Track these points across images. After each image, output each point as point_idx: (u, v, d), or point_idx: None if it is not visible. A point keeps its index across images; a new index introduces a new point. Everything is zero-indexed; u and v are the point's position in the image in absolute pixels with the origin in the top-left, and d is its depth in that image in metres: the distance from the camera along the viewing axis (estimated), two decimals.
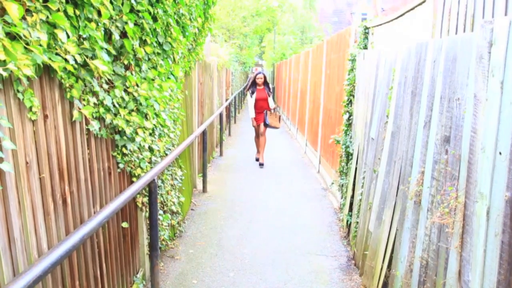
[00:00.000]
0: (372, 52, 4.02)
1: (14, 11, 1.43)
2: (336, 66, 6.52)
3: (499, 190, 1.65)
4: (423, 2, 3.39)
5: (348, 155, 4.85)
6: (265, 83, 8.58)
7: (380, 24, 4.45)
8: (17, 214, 1.65)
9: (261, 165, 8.32)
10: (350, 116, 4.90)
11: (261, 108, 8.47)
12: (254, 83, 8.54)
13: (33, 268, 1.51)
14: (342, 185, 5.09)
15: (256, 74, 8.61)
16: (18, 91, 1.61)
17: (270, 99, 8.54)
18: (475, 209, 1.82)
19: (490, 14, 2.54)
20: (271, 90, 8.72)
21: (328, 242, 4.54)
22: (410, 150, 2.69)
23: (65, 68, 1.90)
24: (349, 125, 4.94)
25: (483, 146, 1.77)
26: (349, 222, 4.56)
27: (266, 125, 8.51)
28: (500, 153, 1.66)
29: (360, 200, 3.98)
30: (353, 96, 4.78)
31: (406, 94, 2.86)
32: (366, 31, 4.87)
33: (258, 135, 8.76)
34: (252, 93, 8.45)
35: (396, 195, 2.90)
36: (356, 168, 4.35)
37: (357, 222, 4.04)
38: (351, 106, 4.89)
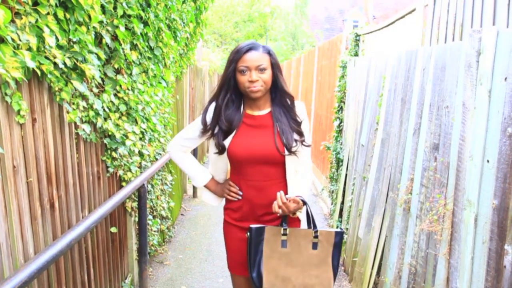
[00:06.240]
0: (363, 59, 4.05)
1: (0, 16, 1.42)
2: (327, 73, 6.56)
3: (487, 198, 1.66)
4: (413, 10, 3.42)
5: (339, 162, 4.86)
6: (276, 85, 1.96)
7: (371, 32, 4.49)
8: (3, 218, 1.63)
9: None
10: (340, 122, 4.92)
11: (256, 200, 2.02)
12: (232, 87, 1.96)
13: (18, 273, 1.48)
14: (332, 191, 5.10)
15: (243, 50, 1.90)
16: (6, 94, 1.59)
17: (301, 161, 2.03)
18: (463, 217, 1.83)
19: (479, 24, 2.58)
20: (300, 119, 2.02)
21: None
22: (400, 157, 2.70)
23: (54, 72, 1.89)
24: (339, 131, 4.96)
25: (471, 154, 1.79)
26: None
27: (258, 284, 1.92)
28: (487, 161, 1.67)
29: (350, 206, 3.99)
30: (344, 103, 4.81)
31: (396, 102, 2.88)
32: (357, 38, 4.91)
33: None
34: (226, 132, 1.98)
35: (386, 202, 2.91)
36: (346, 175, 4.36)
37: (347, 229, 4.05)
38: (341, 112, 4.91)
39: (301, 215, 2.04)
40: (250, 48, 1.91)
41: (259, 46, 1.94)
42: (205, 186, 2.19)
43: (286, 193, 1.98)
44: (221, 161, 2.09)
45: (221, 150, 2.00)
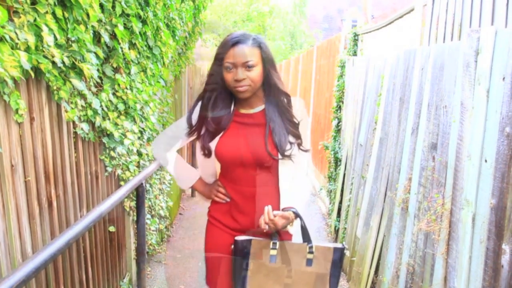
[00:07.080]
0: (362, 59, 4.05)
1: None
2: (326, 72, 6.56)
3: (485, 197, 1.67)
4: (412, 10, 3.43)
5: (337, 161, 4.86)
6: (268, 82, 1.72)
7: (370, 31, 4.49)
8: (1, 217, 1.62)
9: None
10: (339, 122, 4.93)
11: (244, 208, 1.83)
12: (220, 84, 1.72)
13: (16, 272, 1.48)
14: (331, 191, 5.10)
15: (229, 44, 1.66)
16: (4, 93, 1.59)
17: (298, 167, 1.83)
18: (461, 216, 1.83)
19: (477, 23, 2.58)
20: (298, 119, 1.78)
21: None
22: (398, 156, 2.71)
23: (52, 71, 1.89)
24: (338, 131, 4.96)
25: (469, 153, 1.79)
26: (337, 228, 4.57)
27: None
28: (485, 161, 1.68)
29: (348, 206, 3.99)
30: (342, 102, 4.81)
31: (394, 101, 2.88)
32: (356, 37, 4.91)
33: None
34: (213, 134, 1.78)
35: (384, 201, 2.91)
36: (344, 174, 4.37)
37: (345, 228, 4.05)
38: (340, 112, 4.91)
39: (293, 230, 1.80)
40: (237, 42, 1.66)
41: (248, 38, 1.67)
42: (193, 188, 2.03)
43: (277, 203, 1.80)
44: (209, 163, 1.88)
45: (207, 153, 1.79)
